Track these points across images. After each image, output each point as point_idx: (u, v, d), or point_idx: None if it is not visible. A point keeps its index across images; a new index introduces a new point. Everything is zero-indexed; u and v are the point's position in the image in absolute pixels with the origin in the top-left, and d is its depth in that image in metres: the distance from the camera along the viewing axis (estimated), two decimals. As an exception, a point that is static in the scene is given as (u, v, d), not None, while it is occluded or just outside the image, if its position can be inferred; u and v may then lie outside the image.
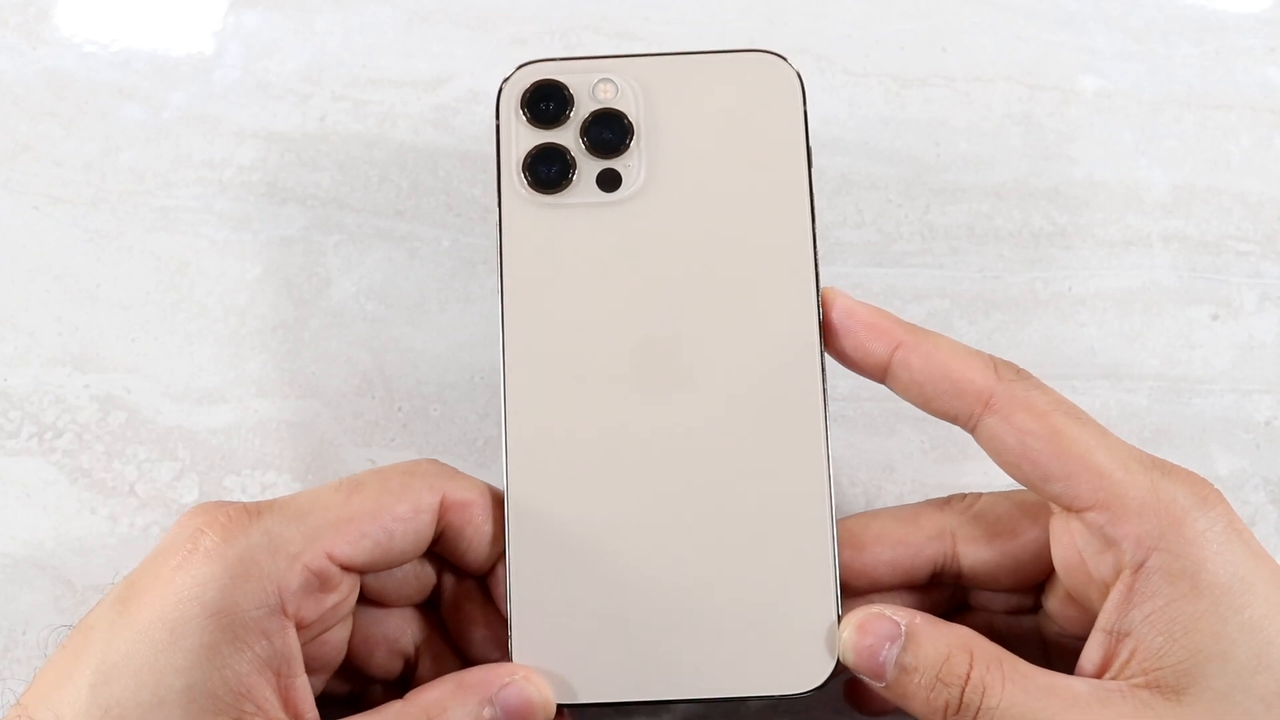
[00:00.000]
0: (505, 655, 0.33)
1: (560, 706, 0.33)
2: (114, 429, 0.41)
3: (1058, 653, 0.35)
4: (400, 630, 0.35)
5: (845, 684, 0.35)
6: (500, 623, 0.34)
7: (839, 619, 0.33)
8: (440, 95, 0.45)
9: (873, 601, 0.36)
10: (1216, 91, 0.46)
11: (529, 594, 0.33)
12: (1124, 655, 0.31)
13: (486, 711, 0.31)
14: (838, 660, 0.33)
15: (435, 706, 0.31)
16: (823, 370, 0.34)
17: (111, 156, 0.44)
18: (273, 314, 0.42)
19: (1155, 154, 0.45)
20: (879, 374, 0.34)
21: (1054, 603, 0.35)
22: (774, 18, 0.46)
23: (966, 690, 0.30)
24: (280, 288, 0.43)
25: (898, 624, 0.32)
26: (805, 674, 0.33)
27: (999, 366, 0.33)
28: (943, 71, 0.46)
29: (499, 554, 0.34)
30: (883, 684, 0.32)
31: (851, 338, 0.33)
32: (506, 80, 0.35)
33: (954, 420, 0.33)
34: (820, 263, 0.43)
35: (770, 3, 0.46)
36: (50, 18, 0.46)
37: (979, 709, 0.30)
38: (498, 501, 0.34)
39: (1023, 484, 0.32)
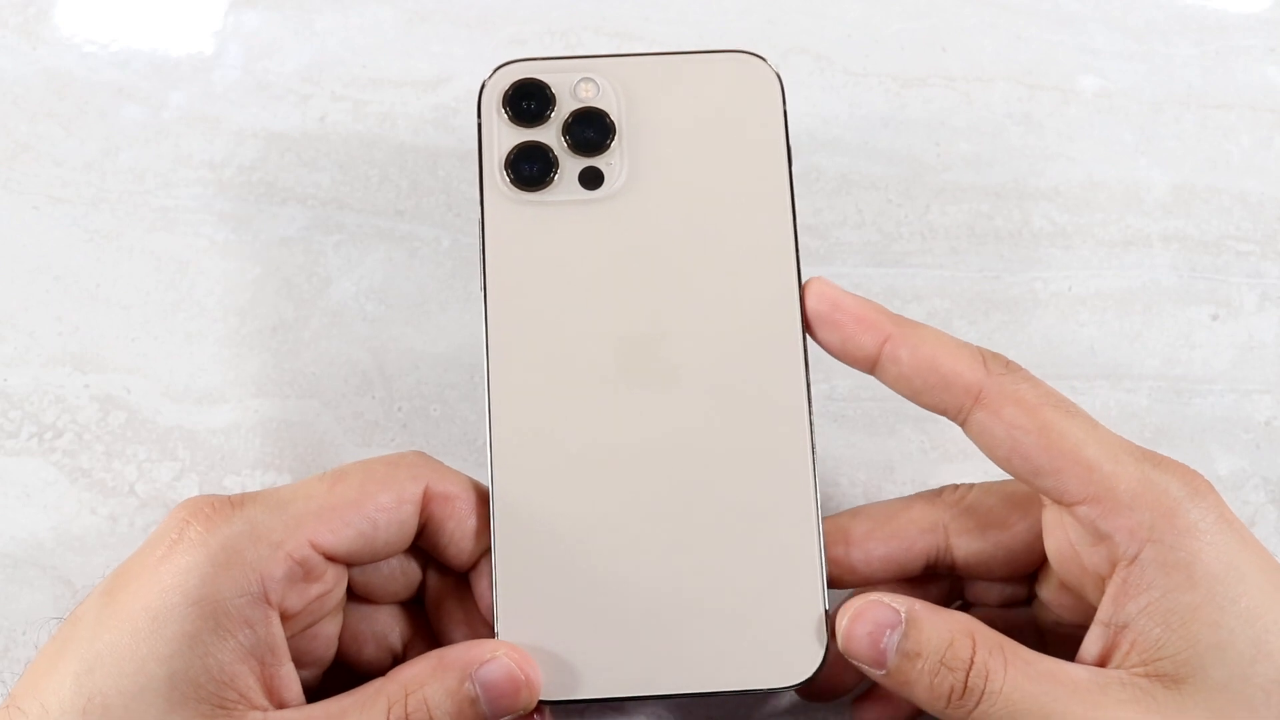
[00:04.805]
0: None
1: (546, 704, 0.33)
2: (114, 429, 0.41)
3: (1054, 642, 0.35)
4: (389, 627, 0.35)
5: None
6: (482, 621, 0.34)
7: (826, 611, 0.33)
8: (440, 95, 0.45)
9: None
10: (1216, 91, 0.46)
11: (514, 590, 0.33)
12: (1124, 647, 0.31)
13: (466, 688, 0.31)
14: (826, 653, 0.33)
15: (414, 682, 0.31)
16: (806, 365, 0.34)
17: (111, 156, 0.44)
18: (273, 314, 0.42)
19: (1155, 154, 0.45)
20: (867, 366, 0.33)
21: (1048, 591, 0.35)
22: (774, 18, 0.46)
23: (971, 674, 0.30)
24: (280, 288, 0.43)
25: (897, 611, 0.32)
26: (793, 667, 0.33)
27: (988, 359, 0.33)
28: (943, 71, 0.46)
29: (482, 549, 0.34)
30: (882, 672, 0.31)
31: (840, 330, 0.33)
32: (488, 79, 0.36)
33: (944, 413, 0.33)
34: (820, 262, 0.43)
35: (770, 3, 0.46)
36: (50, 18, 0.46)
37: (983, 693, 0.30)
38: (482, 496, 0.34)
39: (1014, 477, 0.33)
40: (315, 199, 0.44)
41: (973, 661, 0.31)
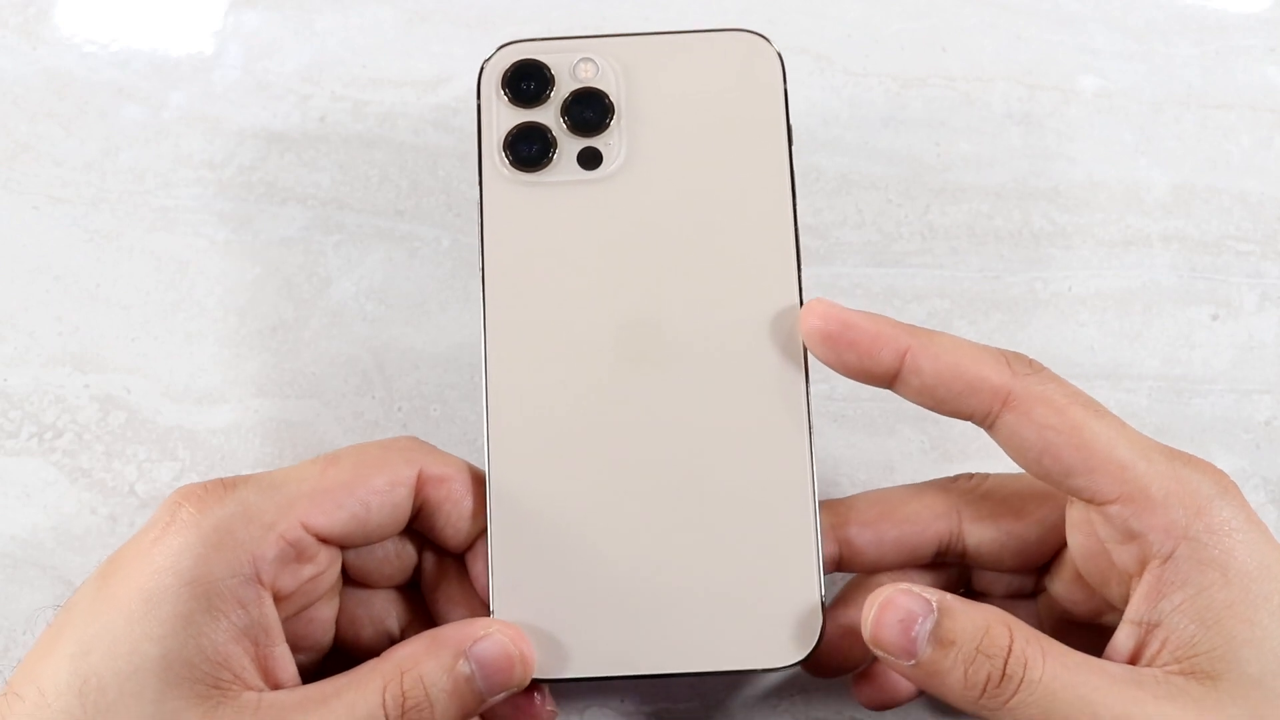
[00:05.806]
0: None
1: (542, 682, 0.33)
2: (114, 429, 0.41)
3: (1056, 638, 0.35)
4: (385, 611, 0.36)
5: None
6: (479, 603, 0.34)
7: (821, 592, 0.33)
8: (440, 95, 0.45)
9: (879, 580, 0.36)
10: (1216, 91, 0.46)
11: (510, 570, 0.33)
12: (1155, 645, 0.31)
13: (461, 665, 0.31)
14: (820, 634, 0.33)
15: (408, 660, 0.31)
16: (805, 348, 0.34)
17: (111, 156, 0.44)
18: (273, 314, 0.42)
19: (1155, 154, 0.45)
20: (886, 382, 0.33)
21: (1060, 585, 0.35)
22: (774, 18, 0.46)
23: (1010, 662, 0.30)
24: (280, 288, 0.43)
25: (928, 600, 0.31)
26: (788, 648, 0.33)
27: (1011, 361, 0.32)
28: (943, 71, 0.46)
29: (478, 530, 0.34)
30: (912, 662, 0.31)
31: (856, 349, 0.32)
32: (488, 60, 0.36)
33: (969, 418, 0.32)
34: (820, 262, 0.43)
35: (770, 3, 0.46)
36: (50, 18, 0.46)
37: (1022, 681, 0.30)
38: (477, 478, 0.34)
39: (1042, 479, 0.32)
40: (315, 199, 0.44)
41: (1011, 649, 0.30)
